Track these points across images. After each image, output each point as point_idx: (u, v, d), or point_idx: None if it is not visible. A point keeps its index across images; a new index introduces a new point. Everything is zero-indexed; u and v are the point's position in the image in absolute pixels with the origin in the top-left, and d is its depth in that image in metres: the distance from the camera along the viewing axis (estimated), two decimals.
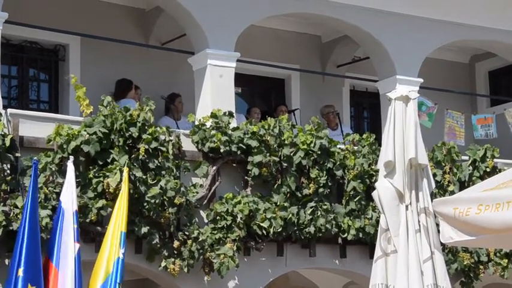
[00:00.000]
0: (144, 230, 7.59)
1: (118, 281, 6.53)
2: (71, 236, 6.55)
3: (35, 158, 6.93)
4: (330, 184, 8.64)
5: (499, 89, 12.06)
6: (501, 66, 11.82)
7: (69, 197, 6.69)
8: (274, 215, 8.21)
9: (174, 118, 9.36)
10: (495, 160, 9.59)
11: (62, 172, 7.18)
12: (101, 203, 7.39)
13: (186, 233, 7.90)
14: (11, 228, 7.02)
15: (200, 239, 7.89)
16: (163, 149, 7.87)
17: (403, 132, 6.41)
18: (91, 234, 7.50)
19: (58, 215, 6.69)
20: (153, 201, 7.64)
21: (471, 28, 10.33)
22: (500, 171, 9.21)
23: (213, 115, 8.33)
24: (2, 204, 7.08)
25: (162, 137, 7.89)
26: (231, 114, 8.39)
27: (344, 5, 9.55)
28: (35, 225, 6.41)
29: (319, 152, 8.56)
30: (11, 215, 7.05)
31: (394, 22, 9.87)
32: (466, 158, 9.55)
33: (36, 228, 6.43)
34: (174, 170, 7.90)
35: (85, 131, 7.49)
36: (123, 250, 6.62)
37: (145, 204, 7.64)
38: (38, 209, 6.64)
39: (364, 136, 9.04)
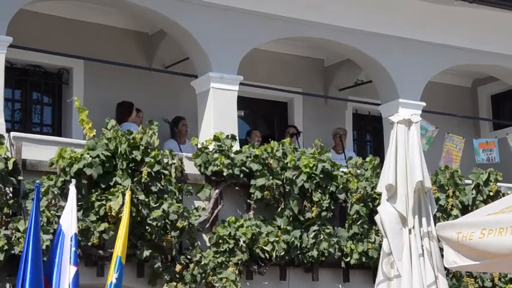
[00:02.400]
0: (146, 253, 7.57)
1: None
2: (67, 259, 6.50)
3: (38, 181, 6.92)
4: (332, 208, 8.62)
5: (501, 113, 12.06)
6: (503, 91, 11.83)
7: (69, 220, 6.65)
8: (276, 239, 8.19)
9: (178, 141, 9.37)
10: (498, 184, 9.56)
11: (65, 195, 7.16)
12: (103, 226, 7.38)
13: (188, 256, 7.87)
14: (12, 252, 6.99)
15: (202, 263, 7.86)
16: (166, 172, 7.87)
17: (405, 155, 6.40)
18: (92, 257, 7.47)
19: (58, 237, 6.65)
20: (155, 224, 7.62)
21: (473, 52, 10.36)
22: (503, 195, 9.19)
23: (216, 138, 8.34)
24: (4, 227, 7.06)
25: (165, 160, 7.89)
26: (233, 138, 8.39)
27: (347, 29, 9.60)
28: (38, 249, 6.38)
29: (321, 176, 8.55)
30: (13, 239, 7.03)
31: (397, 46, 9.90)
32: (469, 181, 9.53)
33: (39, 252, 6.39)
34: (177, 193, 7.89)
35: (88, 154, 7.49)
36: (116, 275, 6.57)
37: (147, 227, 7.62)
38: (40, 233, 6.61)
39: (367, 159, 9.03)
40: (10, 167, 7.17)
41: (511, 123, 11.35)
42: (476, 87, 12.28)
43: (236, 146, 8.43)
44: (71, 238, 6.55)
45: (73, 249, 6.51)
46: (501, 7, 10.08)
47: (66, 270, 6.47)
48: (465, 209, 9.22)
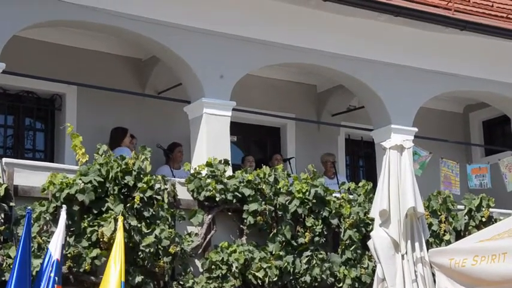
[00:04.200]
0: (139, 279, 7.52)
1: None
2: (44, 285, 6.44)
3: (29, 207, 6.89)
4: (325, 233, 8.61)
5: (493, 139, 12.12)
6: (495, 117, 11.89)
7: (55, 246, 6.61)
8: (269, 264, 8.16)
9: (171, 167, 9.36)
10: (491, 210, 9.57)
11: (56, 221, 7.13)
12: (95, 252, 7.34)
13: (181, 282, 7.83)
14: (3, 278, 6.94)
15: None
16: (159, 197, 7.86)
17: (398, 181, 6.43)
18: (84, 284, 7.42)
19: (47, 262, 6.59)
20: (147, 250, 7.58)
21: (465, 79, 10.44)
22: (496, 220, 9.20)
23: (209, 164, 8.34)
24: None
25: (157, 186, 7.88)
26: (226, 163, 8.40)
27: (339, 56, 9.67)
28: (25, 276, 6.31)
29: (314, 201, 8.55)
30: (4, 265, 6.99)
31: (389, 72, 9.97)
32: (462, 207, 9.54)
33: (26, 279, 6.33)
34: (169, 219, 7.87)
35: (80, 179, 7.48)
36: None
37: (139, 253, 7.59)
38: (29, 259, 6.55)
39: (360, 185, 9.04)
40: (2, 193, 7.15)
41: (502, 149, 11.40)
42: (468, 113, 12.35)
43: (229, 171, 8.43)
44: (52, 264, 6.49)
45: (51, 274, 6.44)
46: (492, 34, 10.18)
47: None
48: (458, 235, 9.22)
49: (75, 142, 7.63)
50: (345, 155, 11.39)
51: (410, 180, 6.41)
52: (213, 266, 8.00)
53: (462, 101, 12.09)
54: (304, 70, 10.53)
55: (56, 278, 6.48)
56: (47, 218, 7.29)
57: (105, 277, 6.76)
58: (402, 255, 6.29)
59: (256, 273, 8.09)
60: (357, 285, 8.60)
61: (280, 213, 8.45)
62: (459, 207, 9.52)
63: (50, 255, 6.58)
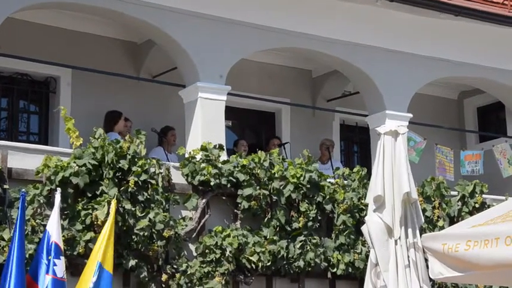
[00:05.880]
0: (132, 263, 7.55)
1: None
2: (43, 268, 6.43)
3: (23, 189, 6.88)
4: (319, 218, 8.63)
5: (487, 125, 12.14)
6: (489, 103, 11.91)
7: (52, 228, 6.60)
8: (263, 249, 8.19)
9: (165, 150, 9.37)
10: (484, 196, 9.61)
11: (51, 204, 7.14)
12: (89, 235, 7.35)
13: (175, 266, 7.85)
14: None
15: (189, 273, 7.85)
16: (153, 181, 7.86)
17: (392, 166, 6.44)
18: (79, 267, 7.42)
19: (47, 245, 6.58)
20: (141, 233, 7.60)
21: (460, 65, 10.44)
22: (489, 207, 9.24)
23: (203, 148, 8.34)
24: None
25: (151, 170, 7.88)
26: (221, 147, 8.40)
27: (334, 41, 9.65)
28: (22, 259, 6.32)
29: (308, 186, 8.57)
30: None
31: (384, 58, 9.96)
32: (455, 193, 9.58)
33: (23, 262, 6.34)
34: (164, 203, 7.88)
35: (74, 162, 7.47)
36: (94, 279, 6.50)
37: (133, 236, 7.60)
38: (25, 242, 6.55)
39: (354, 170, 9.06)
40: None
41: (496, 136, 11.43)
42: (463, 100, 12.36)
43: (223, 156, 8.43)
44: (50, 246, 6.48)
45: (50, 257, 6.43)
46: (487, 20, 10.17)
47: (43, 279, 6.40)
48: (451, 221, 9.26)
49: (69, 125, 7.62)
50: (339, 140, 11.41)
51: (405, 166, 6.43)
52: (206, 250, 8.02)
53: (457, 87, 12.10)
54: (299, 55, 10.51)
55: (55, 261, 6.46)
56: (41, 201, 7.29)
57: (89, 260, 6.73)
58: (396, 241, 6.31)
59: (250, 258, 8.12)
60: (350, 270, 8.64)
61: (275, 198, 8.46)
62: (453, 193, 9.56)
63: (49, 237, 6.56)
